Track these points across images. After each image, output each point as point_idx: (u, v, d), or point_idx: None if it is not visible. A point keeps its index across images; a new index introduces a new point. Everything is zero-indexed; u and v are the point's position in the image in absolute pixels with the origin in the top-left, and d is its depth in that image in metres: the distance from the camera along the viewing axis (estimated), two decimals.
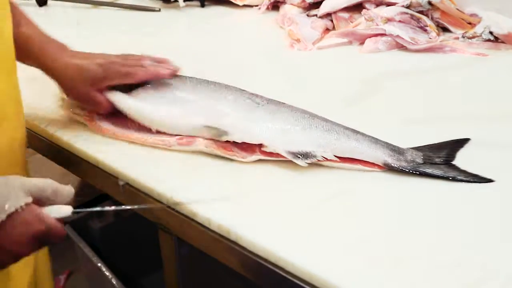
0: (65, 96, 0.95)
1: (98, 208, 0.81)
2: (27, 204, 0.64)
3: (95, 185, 0.94)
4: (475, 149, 0.85)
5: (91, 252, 1.62)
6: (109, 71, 0.89)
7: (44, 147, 0.98)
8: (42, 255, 0.94)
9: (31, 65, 0.92)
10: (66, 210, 0.69)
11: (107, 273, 1.53)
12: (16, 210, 0.63)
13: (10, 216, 0.63)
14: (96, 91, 0.90)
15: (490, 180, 0.75)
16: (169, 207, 0.76)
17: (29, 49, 0.90)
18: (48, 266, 0.99)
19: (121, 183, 0.83)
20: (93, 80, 0.89)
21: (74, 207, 0.70)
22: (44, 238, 0.67)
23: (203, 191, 0.76)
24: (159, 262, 0.89)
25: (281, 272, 0.64)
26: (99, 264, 1.56)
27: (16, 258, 0.67)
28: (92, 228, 1.77)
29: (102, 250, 1.63)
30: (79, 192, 2.29)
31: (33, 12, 0.91)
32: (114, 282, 1.49)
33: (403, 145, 0.83)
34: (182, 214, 0.75)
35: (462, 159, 0.81)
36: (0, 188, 0.64)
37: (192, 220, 0.74)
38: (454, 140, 0.85)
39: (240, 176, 0.80)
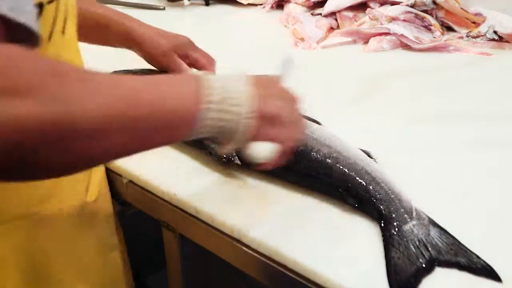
0: None
1: None
2: None
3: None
4: (477, 148, 0.85)
5: None
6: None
7: None
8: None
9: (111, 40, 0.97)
10: None
11: None
12: None
13: None
14: (176, 54, 0.96)
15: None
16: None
17: (111, 20, 0.95)
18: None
19: (125, 181, 0.83)
20: (176, 44, 0.96)
21: None
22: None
23: (206, 190, 0.76)
24: (162, 260, 0.89)
25: (284, 270, 0.64)
26: None
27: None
28: None
29: None
30: None
31: None
32: None
33: (405, 142, 0.83)
34: (186, 212, 0.75)
35: (465, 159, 0.82)
36: None
37: (196, 217, 0.74)
38: None
39: (240, 177, 0.79)
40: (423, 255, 0.60)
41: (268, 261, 0.66)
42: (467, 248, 0.61)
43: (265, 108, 0.57)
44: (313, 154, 0.72)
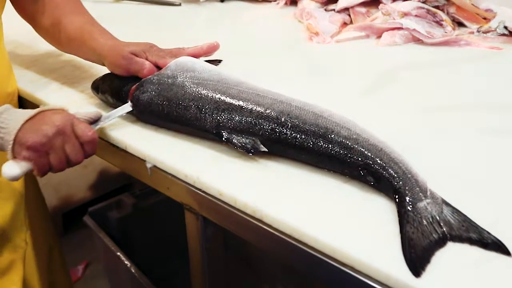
0: None
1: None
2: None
3: (122, 169, 0.98)
4: (488, 135, 0.88)
5: (110, 241, 1.66)
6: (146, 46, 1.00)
7: None
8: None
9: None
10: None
11: (126, 262, 1.56)
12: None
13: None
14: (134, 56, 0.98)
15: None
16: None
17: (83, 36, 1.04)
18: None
19: (149, 165, 0.86)
20: (135, 49, 0.99)
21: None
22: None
23: (228, 174, 0.80)
24: (177, 251, 0.91)
25: (305, 248, 0.67)
26: (118, 253, 1.59)
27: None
28: (111, 219, 1.81)
29: (120, 241, 1.67)
30: (97, 185, 2.33)
31: None
32: (133, 271, 1.53)
33: (419, 130, 0.86)
34: (209, 194, 0.78)
35: (476, 148, 0.85)
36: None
37: (218, 199, 0.77)
38: None
39: (261, 161, 0.82)
40: (436, 231, 0.64)
41: (289, 240, 0.68)
42: (478, 225, 0.64)
43: (23, 138, 0.81)
44: (333, 136, 0.76)
